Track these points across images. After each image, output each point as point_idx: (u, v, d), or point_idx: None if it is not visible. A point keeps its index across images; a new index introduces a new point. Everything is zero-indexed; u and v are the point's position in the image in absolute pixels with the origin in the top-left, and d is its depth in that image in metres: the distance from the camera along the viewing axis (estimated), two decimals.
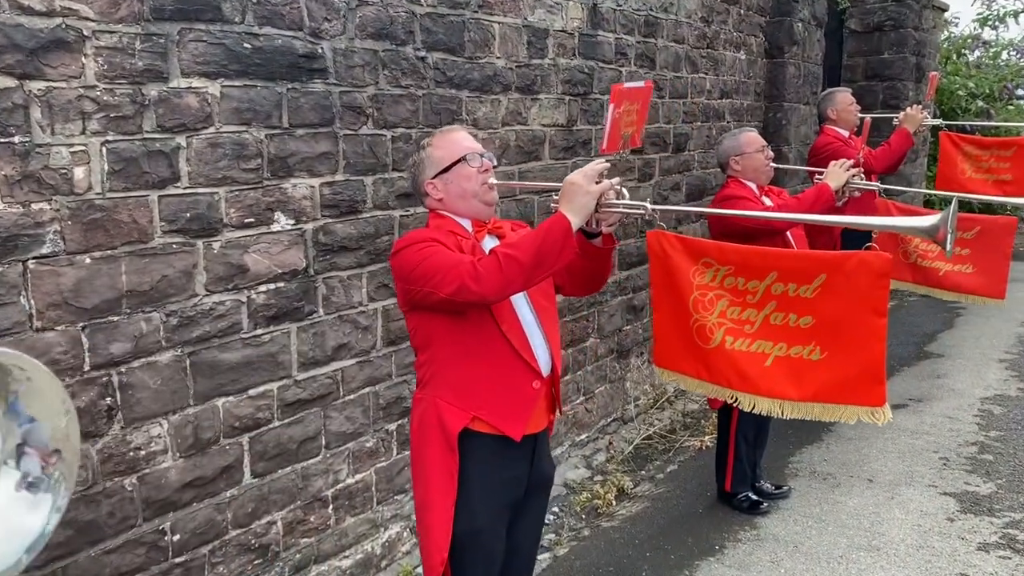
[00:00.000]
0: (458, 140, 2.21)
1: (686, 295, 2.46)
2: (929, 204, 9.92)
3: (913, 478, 4.17)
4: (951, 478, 4.15)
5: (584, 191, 1.97)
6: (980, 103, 11.13)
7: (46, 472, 1.35)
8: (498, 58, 3.65)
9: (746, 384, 2.38)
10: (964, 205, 10.60)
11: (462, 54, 3.45)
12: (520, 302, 2.16)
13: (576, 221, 1.95)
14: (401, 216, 3.23)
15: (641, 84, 2.59)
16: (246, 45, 2.60)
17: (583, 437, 4.61)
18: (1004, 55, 12.52)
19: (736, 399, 2.43)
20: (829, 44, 8.37)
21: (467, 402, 2.08)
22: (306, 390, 2.95)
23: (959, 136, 5.06)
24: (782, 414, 2.35)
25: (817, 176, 3.58)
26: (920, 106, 4.76)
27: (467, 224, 2.20)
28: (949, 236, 1.92)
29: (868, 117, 4.81)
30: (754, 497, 3.88)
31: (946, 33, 12.20)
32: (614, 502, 4.04)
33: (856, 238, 4.53)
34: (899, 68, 8.99)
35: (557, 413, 2.33)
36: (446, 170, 2.17)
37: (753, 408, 2.37)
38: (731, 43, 5.70)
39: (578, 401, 4.59)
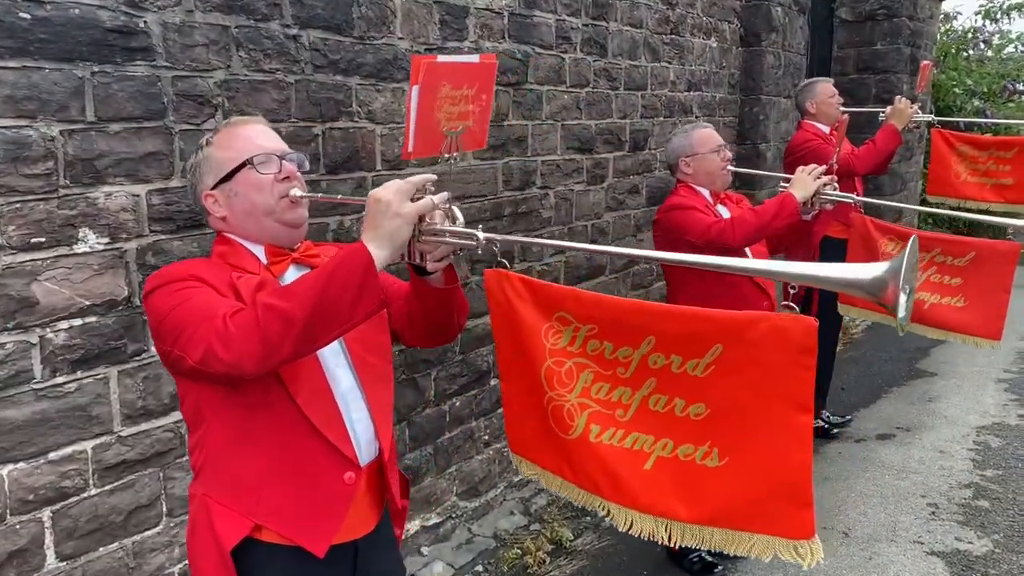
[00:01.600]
0: (247, 136, 1.62)
1: (538, 362, 1.66)
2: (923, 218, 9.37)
3: (896, 531, 3.59)
4: (940, 532, 3.58)
5: (393, 212, 1.38)
6: (977, 102, 10.55)
7: None
8: (400, 39, 3.07)
9: (620, 494, 1.62)
10: (955, 220, 10.12)
11: (350, 33, 2.86)
12: (333, 358, 1.59)
13: (382, 255, 1.37)
14: None
15: (474, 58, 1.86)
16: (23, 15, 2.01)
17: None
18: (1010, 48, 11.90)
19: (608, 512, 1.66)
20: (818, 34, 7.78)
21: (248, 504, 1.51)
22: (135, 448, 2.38)
23: (953, 134, 4.48)
24: (670, 540, 1.57)
25: (783, 183, 3.00)
26: (909, 99, 4.18)
27: (260, 252, 1.61)
28: (903, 299, 1.30)
29: (845, 113, 4.25)
30: (708, 558, 3.30)
31: (946, 26, 11.61)
32: (547, 559, 3.47)
33: (838, 248, 3.97)
34: (893, 60, 8.40)
35: (402, 505, 1.75)
36: (228, 177, 1.58)
37: (630, 529, 1.69)
38: (700, 29, 5.11)
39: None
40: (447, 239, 1.47)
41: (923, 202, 9.68)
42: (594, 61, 4.16)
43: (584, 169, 4.23)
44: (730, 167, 3.15)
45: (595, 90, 4.21)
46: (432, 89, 1.67)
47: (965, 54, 11.46)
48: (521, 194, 3.80)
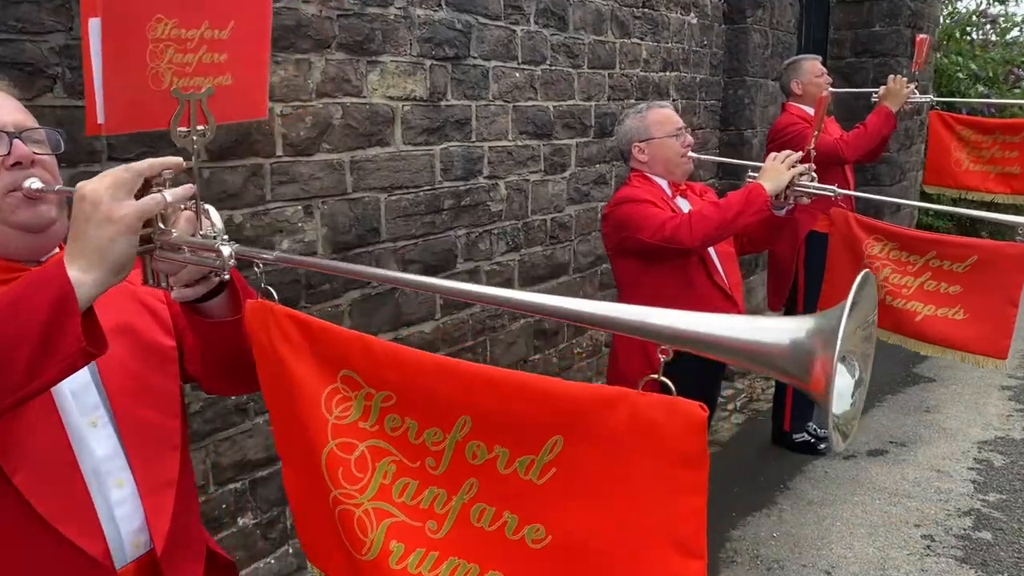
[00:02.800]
0: None
1: (317, 444, 1.14)
2: (923, 213, 8.87)
3: (886, 570, 3.16)
4: (936, 570, 3.15)
5: (102, 216, 0.96)
6: (981, 88, 10.06)
7: None
8: (306, 2, 2.62)
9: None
10: (961, 216, 9.64)
11: None
12: (84, 415, 1.14)
13: (88, 280, 0.95)
14: None
15: None
16: None
17: None
18: (1015, 32, 11.39)
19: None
20: (813, 15, 7.31)
21: None
22: None
23: (954, 117, 4.01)
24: None
25: (751, 173, 2.56)
26: (905, 78, 3.73)
27: None
28: (843, 377, 0.81)
29: (827, 91, 3.80)
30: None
31: (949, 8, 11.12)
32: None
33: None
34: (892, 43, 7.92)
35: None
36: None
37: None
38: (677, 2, 4.65)
39: None
40: (186, 255, 1.04)
41: (923, 195, 9.25)
42: (551, 35, 3.71)
43: (541, 156, 3.78)
44: (693, 153, 2.71)
45: (553, 68, 3.76)
46: (132, 24, 1.13)
47: (969, 38, 10.96)
48: (464, 184, 3.35)
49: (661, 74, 4.62)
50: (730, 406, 5.12)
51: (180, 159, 1.02)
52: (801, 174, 2.47)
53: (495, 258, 3.59)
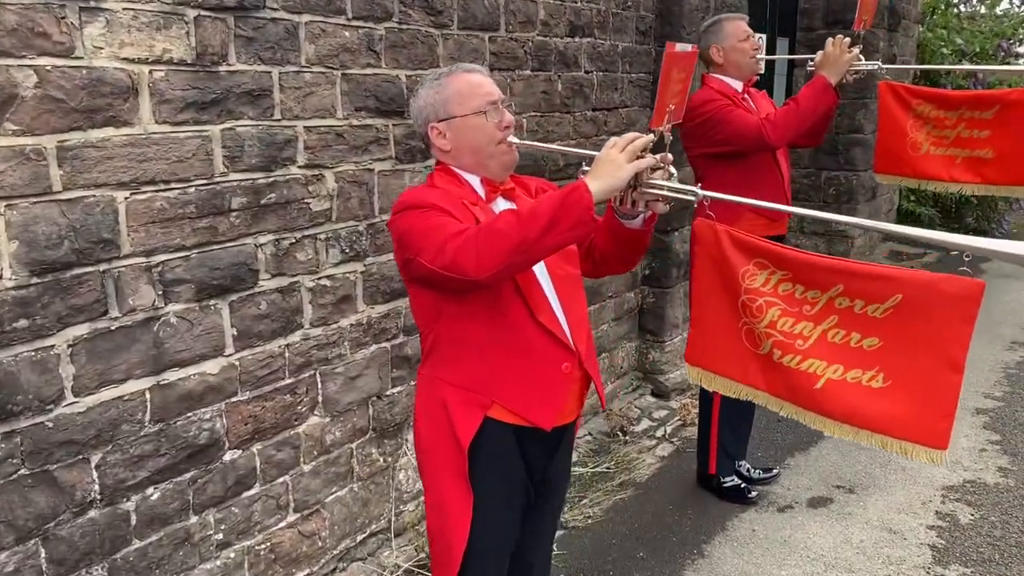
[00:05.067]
0: None
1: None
2: (906, 198, 8.00)
3: None
4: None
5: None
6: (968, 64, 9.27)
7: None
8: None
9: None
10: (908, 217, 8.85)
11: None
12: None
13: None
14: None
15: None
16: None
17: (305, 574, 2.86)
18: (1005, 3, 10.58)
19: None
20: None
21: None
22: None
23: (908, 88, 3.19)
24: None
25: (584, 168, 1.76)
26: (847, 39, 2.94)
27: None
28: None
29: (759, 56, 3.03)
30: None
31: None
32: None
33: None
34: None
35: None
36: None
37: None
38: None
39: (293, 518, 2.82)
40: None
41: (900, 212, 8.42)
42: None
43: (391, 140, 2.98)
44: (515, 139, 1.90)
45: (404, 27, 2.95)
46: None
47: (955, 10, 10.16)
48: (266, 176, 2.56)
49: (568, 40, 3.81)
50: (659, 432, 4.37)
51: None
52: (654, 168, 1.69)
53: (324, 270, 2.80)
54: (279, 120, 2.57)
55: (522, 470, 1.88)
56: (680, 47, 1.70)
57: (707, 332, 2.10)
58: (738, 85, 3.22)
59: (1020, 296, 6.75)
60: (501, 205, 1.86)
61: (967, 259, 1.61)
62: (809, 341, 1.90)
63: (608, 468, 3.96)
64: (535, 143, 1.96)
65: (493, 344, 1.78)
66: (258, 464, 2.69)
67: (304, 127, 2.65)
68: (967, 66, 7.64)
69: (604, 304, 4.48)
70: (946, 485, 3.61)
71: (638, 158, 1.64)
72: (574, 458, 4.21)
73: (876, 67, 3.00)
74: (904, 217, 9.38)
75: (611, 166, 1.62)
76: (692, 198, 1.70)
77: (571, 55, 3.84)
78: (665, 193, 1.70)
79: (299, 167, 2.66)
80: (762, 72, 3.24)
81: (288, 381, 2.74)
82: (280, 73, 2.55)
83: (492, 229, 1.60)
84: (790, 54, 7.27)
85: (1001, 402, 4.54)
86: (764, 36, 6.99)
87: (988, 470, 3.75)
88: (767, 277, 1.96)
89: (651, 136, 1.68)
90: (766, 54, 4.44)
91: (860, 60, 3.01)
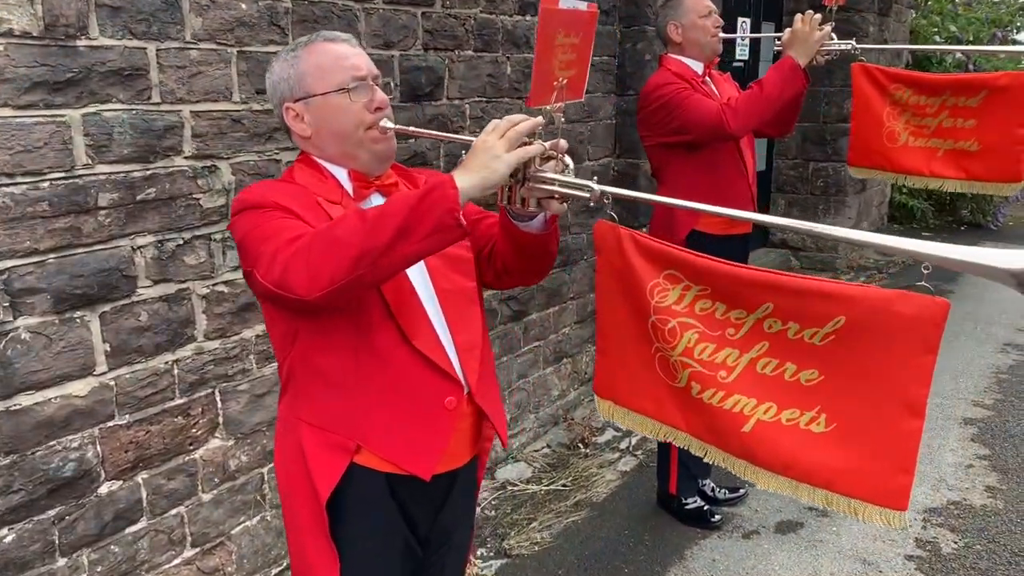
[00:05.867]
0: None
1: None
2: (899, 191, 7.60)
3: None
4: None
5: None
6: (960, 56, 8.94)
7: None
8: None
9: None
10: (901, 210, 8.41)
11: None
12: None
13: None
14: None
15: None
16: None
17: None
18: None
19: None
20: None
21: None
22: None
23: (884, 71, 2.83)
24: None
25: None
26: (817, 16, 2.60)
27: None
28: None
29: (717, 34, 2.71)
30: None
31: None
32: None
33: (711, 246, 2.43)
34: None
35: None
36: None
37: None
38: None
39: (190, 554, 2.49)
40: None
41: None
42: None
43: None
44: (390, 123, 1.57)
45: None
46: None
47: None
48: (144, 169, 2.22)
49: (518, 18, 3.47)
50: (623, 444, 4.05)
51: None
52: (547, 158, 1.36)
53: (221, 275, 2.47)
54: (158, 104, 2.23)
55: (401, 525, 1.55)
56: (565, 3, 1.34)
57: (615, 359, 1.72)
58: (698, 67, 2.89)
59: (1014, 292, 6.42)
60: (376, 203, 1.53)
61: (926, 271, 1.28)
62: (734, 373, 1.52)
63: (564, 485, 3.65)
64: (407, 128, 1.59)
65: (358, 375, 1.45)
66: (144, 495, 2.37)
67: (191, 112, 2.32)
68: (955, 47, 7.22)
69: (565, 306, 4.16)
70: (928, 507, 3.30)
71: (523, 145, 1.31)
72: (528, 474, 3.92)
73: (850, 47, 2.66)
74: (897, 210, 9.06)
75: (486, 156, 1.29)
76: (586, 195, 1.36)
77: (522, 34, 3.50)
78: (556, 189, 1.37)
79: (186, 158, 2.32)
80: (720, 52, 2.90)
81: (179, 401, 2.42)
82: (158, 50, 2.21)
83: (330, 236, 1.27)
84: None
85: (991, 411, 4.23)
86: (748, 20, 6.67)
87: (975, 490, 3.43)
88: (681, 293, 1.56)
89: (539, 119, 1.34)
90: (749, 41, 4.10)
91: (832, 39, 2.67)
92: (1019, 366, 4.85)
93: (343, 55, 1.50)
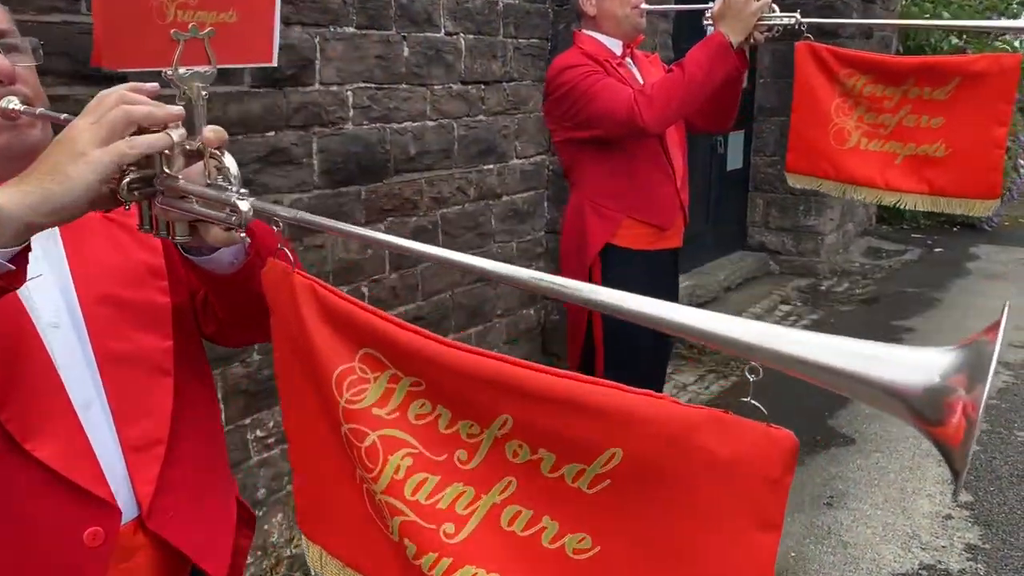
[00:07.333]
0: None
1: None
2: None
3: None
4: None
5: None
6: (955, 40, 8.47)
7: None
8: None
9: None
10: (890, 211, 7.73)
11: None
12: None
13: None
14: None
15: None
16: None
17: None
18: None
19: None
20: None
21: None
22: None
23: (835, 51, 2.24)
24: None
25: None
26: None
27: None
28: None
29: (642, 6, 2.20)
30: None
31: None
32: None
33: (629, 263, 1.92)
34: None
35: None
36: None
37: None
38: None
39: None
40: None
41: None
42: None
43: None
44: (12, 105, 1.05)
45: None
46: None
47: None
48: None
49: None
50: None
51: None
52: (190, 155, 0.86)
53: None
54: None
55: None
56: None
57: (313, 481, 1.10)
58: (616, 46, 2.36)
59: (1010, 301, 5.91)
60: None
61: (753, 378, 0.73)
62: (466, 528, 0.92)
63: None
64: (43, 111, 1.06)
65: None
66: None
67: None
68: (946, 22, 6.66)
69: (491, 324, 3.64)
70: (896, 574, 2.78)
71: (136, 134, 0.81)
72: None
73: (793, 20, 2.12)
74: (886, 209, 8.57)
75: (62, 154, 0.81)
76: (226, 216, 0.84)
77: (422, 10, 2.96)
78: (195, 208, 0.85)
79: None
80: (643, 28, 2.37)
81: None
82: None
83: None
84: None
85: (976, 446, 3.69)
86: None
87: (953, 549, 2.91)
88: (386, 388, 0.94)
89: (177, 108, 0.83)
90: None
91: (774, 10, 2.14)
92: (1010, 389, 4.32)
93: None
